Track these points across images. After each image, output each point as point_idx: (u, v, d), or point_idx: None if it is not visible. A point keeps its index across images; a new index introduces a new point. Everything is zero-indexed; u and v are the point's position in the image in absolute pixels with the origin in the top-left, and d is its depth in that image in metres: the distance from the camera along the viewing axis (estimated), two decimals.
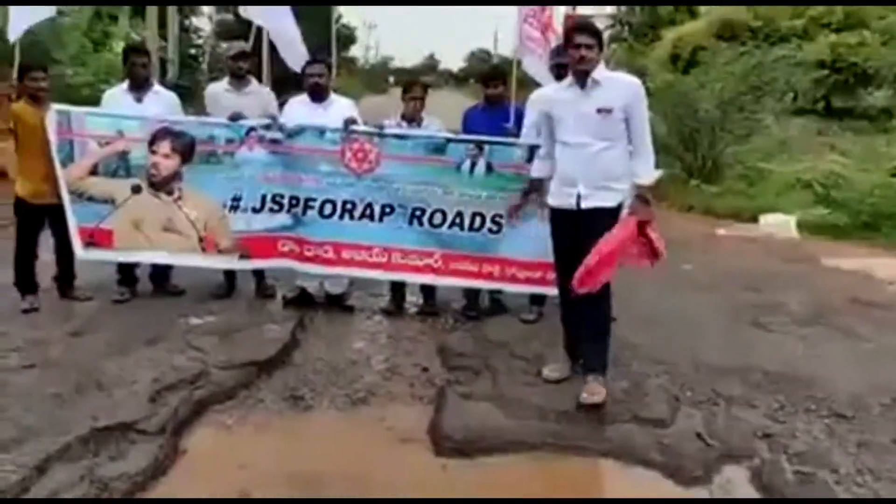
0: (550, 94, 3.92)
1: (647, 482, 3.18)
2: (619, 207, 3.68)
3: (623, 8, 29.31)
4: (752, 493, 3.09)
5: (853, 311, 5.33)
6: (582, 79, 3.62)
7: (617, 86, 3.65)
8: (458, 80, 72.06)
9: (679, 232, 8.19)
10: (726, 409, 3.71)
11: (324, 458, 3.29)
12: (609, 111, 3.59)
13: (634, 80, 3.74)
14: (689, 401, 3.79)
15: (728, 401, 3.79)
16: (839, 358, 4.39)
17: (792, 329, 4.94)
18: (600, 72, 3.64)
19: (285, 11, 5.80)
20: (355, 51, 55.41)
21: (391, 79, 60.65)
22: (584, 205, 3.68)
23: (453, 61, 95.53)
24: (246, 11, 5.80)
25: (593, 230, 3.57)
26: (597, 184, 3.66)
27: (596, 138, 3.63)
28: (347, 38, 44.78)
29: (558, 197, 3.81)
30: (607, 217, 3.63)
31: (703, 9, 22.96)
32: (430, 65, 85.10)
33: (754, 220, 8.53)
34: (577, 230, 3.70)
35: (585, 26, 3.66)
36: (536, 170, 4.13)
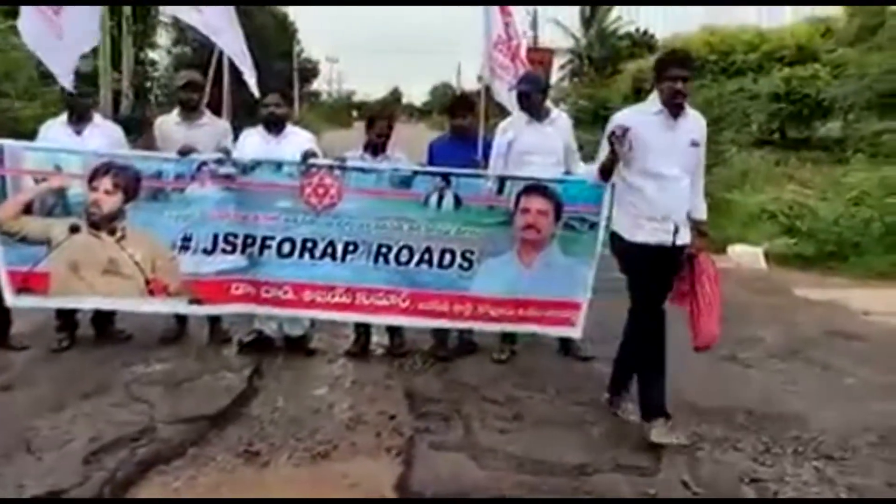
0: (638, 117, 3.59)
1: None
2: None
3: (583, 42, 29.86)
4: None
5: (830, 344, 5.26)
6: (676, 111, 3.52)
7: (697, 120, 3.64)
8: (421, 113, 72.71)
9: None
10: (710, 453, 3.55)
11: None
12: (698, 145, 3.58)
13: (700, 115, 3.71)
14: (672, 445, 3.57)
15: (712, 444, 3.64)
16: (821, 394, 4.29)
17: (770, 364, 4.83)
18: None
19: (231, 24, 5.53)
20: (317, 85, 55.55)
21: (355, 113, 60.82)
22: (678, 241, 3.57)
23: (416, 95, 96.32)
24: (200, 17, 5.47)
25: (676, 268, 3.64)
26: (684, 219, 3.60)
27: (685, 172, 3.57)
28: (309, 72, 44.83)
29: (652, 232, 3.56)
30: (682, 255, 3.63)
31: (661, 44, 23.49)
32: (394, 98, 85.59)
33: (722, 250, 8.47)
34: (665, 267, 3.62)
35: (683, 59, 3.57)
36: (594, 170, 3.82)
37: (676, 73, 3.45)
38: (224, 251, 4.54)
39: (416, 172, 4.59)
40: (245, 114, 6.24)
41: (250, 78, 5.39)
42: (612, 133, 3.46)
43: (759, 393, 4.24)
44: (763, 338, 5.31)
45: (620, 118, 3.62)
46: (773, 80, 18.69)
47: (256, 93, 5.18)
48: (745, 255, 8.22)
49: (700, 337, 3.69)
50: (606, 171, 3.68)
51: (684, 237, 3.59)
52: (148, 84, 17.84)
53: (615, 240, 3.73)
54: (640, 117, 3.57)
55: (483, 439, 3.57)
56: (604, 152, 3.63)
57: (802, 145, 18.27)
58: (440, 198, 4.50)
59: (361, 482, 3.26)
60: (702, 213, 3.75)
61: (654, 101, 3.56)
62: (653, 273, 3.59)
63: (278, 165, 4.54)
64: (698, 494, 3.17)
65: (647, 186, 3.54)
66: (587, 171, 4.24)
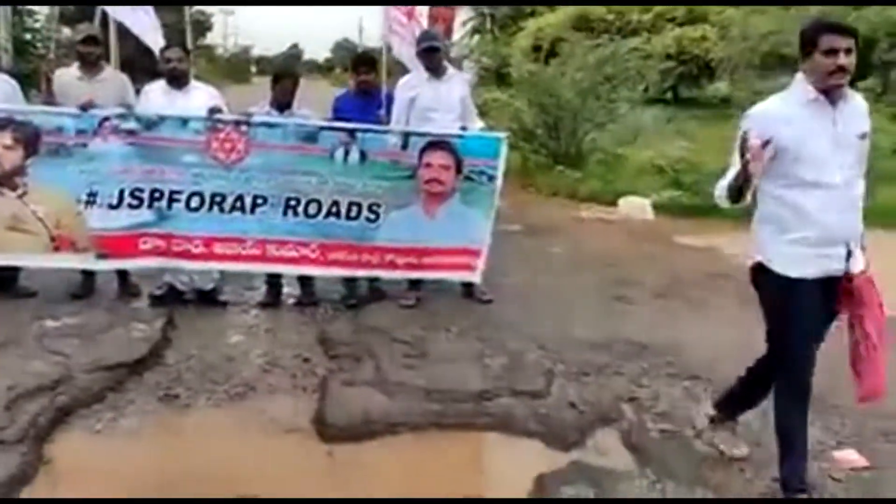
0: (785, 110, 2.68)
1: (527, 450, 3.34)
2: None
3: None
4: (623, 453, 3.29)
5: (704, 284, 5.78)
6: (834, 95, 2.64)
7: (860, 103, 2.76)
8: (322, 69, 71.15)
9: (546, 216, 8.56)
10: (596, 379, 3.94)
11: (205, 454, 3.20)
12: (865, 136, 2.72)
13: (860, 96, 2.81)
14: (562, 373, 3.98)
15: (597, 370, 4.03)
16: (693, 326, 4.75)
17: (651, 302, 5.31)
18: None
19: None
20: (212, 39, 53.22)
21: (253, 69, 58.94)
22: (852, 269, 2.68)
23: (318, 51, 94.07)
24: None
25: (859, 302, 2.72)
26: (858, 238, 2.73)
27: (855, 175, 2.69)
28: (203, 25, 42.84)
29: (817, 262, 2.69)
30: (865, 281, 2.73)
31: None
32: (294, 54, 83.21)
33: (614, 203, 9.02)
34: (828, 303, 2.75)
35: (840, 25, 2.64)
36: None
37: (837, 44, 2.55)
38: (130, 206, 4.57)
39: (321, 128, 4.73)
40: (137, 67, 6.19)
41: (154, 33, 5.39)
42: (744, 141, 2.54)
43: (640, 326, 4.69)
44: (646, 280, 5.81)
45: (759, 114, 2.69)
46: (666, 41, 19.53)
47: (160, 45, 5.20)
48: (634, 206, 8.77)
49: (864, 387, 2.80)
50: (736, 192, 2.66)
51: (859, 262, 2.71)
52: (28, 36, 16.72)
53: (761, 273, 2.82)
54: (788, 110, 2.67)
55: (392, 375, 3.83)
56: (733, 168, 2.67)
57: (693, 103, 19.29)
58: (346, 152, 4.66)
59: (279, 417, 3.48)
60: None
61: (802, 86, 2.67)
62: (814, 314, 2.75)
63: (184, 121, 4.58)
64: (584, 413, 3.57)
65: (807, 202, 2.65)
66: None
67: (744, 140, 2.54)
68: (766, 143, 2.51)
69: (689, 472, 3.05)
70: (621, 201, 8.95)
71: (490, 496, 3.09)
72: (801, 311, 2.72)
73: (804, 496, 2.80)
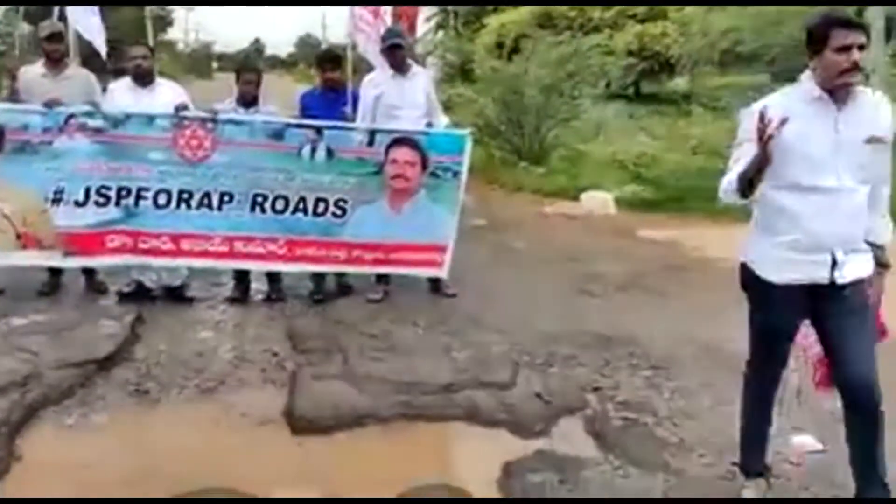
0: (784, 108, 2.42)
1: (494, 439, 3.42)
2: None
3: None
4: (587, 440, 3.39)
5: (664, 276, 5.92)
6: (840, 94, 2.47)
7: (875, 104, 2.57)
8: (286, 65, 70.50)
9: (510, 211, 8.68)
10: (560, 370, 4.04)
11: (177, 448, 3.21)
12: (878, 141, 2.54)
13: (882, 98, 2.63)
14: (527, 364, 4.08)
15: (561, 362, 4.13)
16: (654, 317, 4.88)
17: (613, 294, 5.44)
18: None
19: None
20: (173, 34, 52.30)
21: (215, 64, 58.22)
22: (840, 277, 2.54)
23: (281, 47, 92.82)
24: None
25: (849, 309, 2.58)
26: (854, 245, 2.57)
27: (859, 180, 2.53)
28: (164, 21, 42.07)
29: (797, 268, 2.56)
30: (862, 290, 2.61)
31: None
32: (257, 50, 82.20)
33: (577, 198, 9.17)
34: (817, 310, 2.63)
35: (851, 20, 2.46)
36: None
37: (850, 40, 2.39)
38: (97, 203, 4.57)
39: (288, 125, 4.78)
40: (98, 64, 6.18)
41: (100, 36, 5.40)
42: (763, 116, 2.33)
43: (602, 318, 4.82)
44: (608, 273, 5.95)
45: (763, 108, 2.42)
46: (627, 37, 19.82)
47: (104, 49, 5.21)
48: (597, 201, 8.90)
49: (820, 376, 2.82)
50: (750, 182, 2.48)
51: (852, 271, 2.55)
52: None
53: (745, 273, 2.75)
54: (790, 107, 2.45)
55: (360, 368, 3.90)
56: (745, 157, 2.49)
57: (654, 99, 19.65)
58: (313, 149, 4.71)
59: (250, 411, 3.52)
60: (884, 237, 2.66)
61: (808, 84, 2.53)
62: (790, 320, 2.69)
63: (150, 118, 4.60)
64: (549, 403, 3.67)
65: (798, 205, 2.53)
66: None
67: (762, 116, 2.32)
68: (783, 122, 2.33)
69: (650, 457, 3.15)
70: (584, 196, 9.07)
71: (457, 485, 3.15)
72: (775, 314, 2.68)
73: (762, 480, 2.86)
